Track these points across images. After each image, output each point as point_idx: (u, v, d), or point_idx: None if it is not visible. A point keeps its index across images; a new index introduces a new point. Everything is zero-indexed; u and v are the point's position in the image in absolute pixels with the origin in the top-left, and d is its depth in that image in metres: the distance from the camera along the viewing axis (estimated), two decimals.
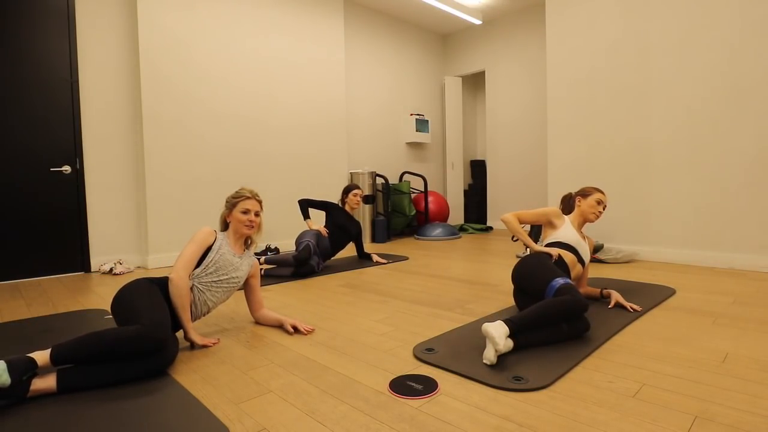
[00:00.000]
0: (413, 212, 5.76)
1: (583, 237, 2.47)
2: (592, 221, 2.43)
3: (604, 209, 2.42)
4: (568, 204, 2.55)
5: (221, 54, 4.30)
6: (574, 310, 1.80)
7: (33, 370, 1.39)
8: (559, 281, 1.95)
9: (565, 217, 2.44)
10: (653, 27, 3.77)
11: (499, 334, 1.58)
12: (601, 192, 2.43)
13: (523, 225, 2.37)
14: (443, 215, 6.09)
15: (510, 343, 1.66)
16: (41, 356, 1.42)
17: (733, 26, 3.38)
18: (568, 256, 2.28)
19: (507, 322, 1.68)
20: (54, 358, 1.42)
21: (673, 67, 3.68)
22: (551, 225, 2.40)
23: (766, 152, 3.28)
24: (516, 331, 1.69)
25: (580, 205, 2.44)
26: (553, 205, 4.46)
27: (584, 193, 2.44)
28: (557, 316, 1.77)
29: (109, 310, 2.52)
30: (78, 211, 3.73)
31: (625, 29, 3.94)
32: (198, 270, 1.91)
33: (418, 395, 1.40)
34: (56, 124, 3.62)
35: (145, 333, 1.50)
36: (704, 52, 3.52)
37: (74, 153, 3.71)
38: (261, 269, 3.52)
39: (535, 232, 4.27)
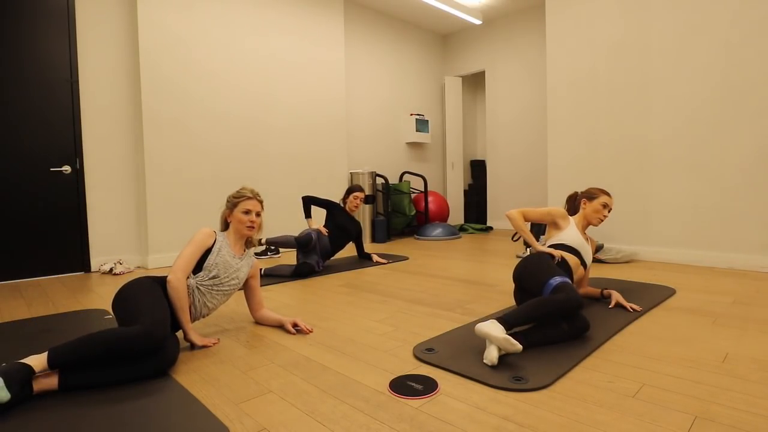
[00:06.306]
0: (413, 212, 5.76)
1: (587, 239, 2.46)
2: (596, 225, 2.40)
3: (609, 212, 2.41)
4: (573, 204, 2.53)
5: (221, 54, 4.30)
6: (567, 307, 1.78)
7: (30, 377, 1.36)
8: (557, 279, 1.95)
9: (570, 218, 2.42)
10: (653, 27, 3.77)
11: (496, 331, 1.58)
12: (608, 195, 2.39)
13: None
14: (443, 215, 6.09)
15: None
16: (38, 361, 1.38)
17: (733, 26, 3.38)
18: (571, 259, 2.27)
19: (500, 321, 1.68)
20: (51, 362, 1.39)
21: (672, 67, 3.68)
22: (556, 226, 2.39)
23: (765, 151, 3.28)
24: (509, 330, 1.68)
25: (585, 208, 2.42)
26: (554, 205, 4.46)
27: (590, 196, 2.41)
28: (549, 314, 1.76)
29: (109, 310, 2.52)
30: (78, 211, 3.73)
31: (625, 29, 3.93)
32: (200, 273, 1.91)
33: (418, 395, 1.40)
34: (56, 124, 3.62)
35: (145, 333, 1.49)
36: (704, 51, 3.53)
37: (74, 153, 3.71)
38: (261, 269, 3.52)
39: (536, 231, 4.26)
